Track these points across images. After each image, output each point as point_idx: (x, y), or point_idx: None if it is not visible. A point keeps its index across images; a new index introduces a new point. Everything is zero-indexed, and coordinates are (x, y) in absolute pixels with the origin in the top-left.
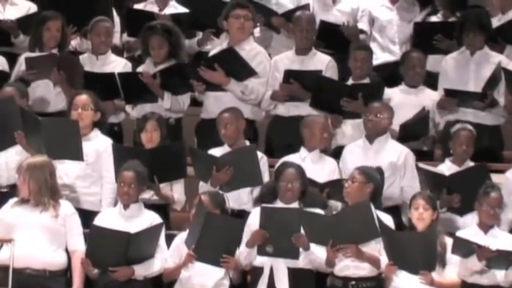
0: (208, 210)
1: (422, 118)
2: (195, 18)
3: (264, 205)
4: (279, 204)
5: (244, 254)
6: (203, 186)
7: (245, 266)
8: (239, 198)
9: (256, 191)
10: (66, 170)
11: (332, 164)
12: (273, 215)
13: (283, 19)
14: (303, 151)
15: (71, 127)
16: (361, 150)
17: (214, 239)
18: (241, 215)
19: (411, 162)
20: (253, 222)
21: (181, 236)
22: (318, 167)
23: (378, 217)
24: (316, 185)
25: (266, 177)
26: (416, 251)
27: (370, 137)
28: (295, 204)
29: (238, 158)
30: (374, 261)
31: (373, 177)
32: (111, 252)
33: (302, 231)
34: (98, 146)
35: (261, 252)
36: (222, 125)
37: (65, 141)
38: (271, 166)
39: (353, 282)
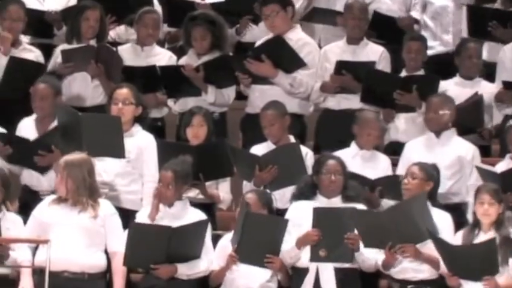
0: (254, 209)
1: (475, 102)
2: (232, 5)
3: (316, 206)
4: (319, 198)
5: (291, 253)
6: (247, 185)
7: (288, 265)
8: (284, 196)
9: None
10: (105, 167)
11: (385, 161)
12: (326, 216)
13: None
14: (353, 147)
15: (112, 123)
16: (426, 145)
17: (256, 239)
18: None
19: (478, 160)
20: (292, 217)
21: (227, 237)
22: (369, 165)
23: (432, 230)
24: (367, 181)
25: None
26: (476, 261)
27: (436, 132)
28: (337, 198)
29: (282, 156)
30: (433, 263)
31: (433, 174)
32: (152, 249)
33: (355, 231)
34: (139, 142)
35: (314, 258)
36: (266, 123)
37: (106, 137)
38: None
39: (411, 286)
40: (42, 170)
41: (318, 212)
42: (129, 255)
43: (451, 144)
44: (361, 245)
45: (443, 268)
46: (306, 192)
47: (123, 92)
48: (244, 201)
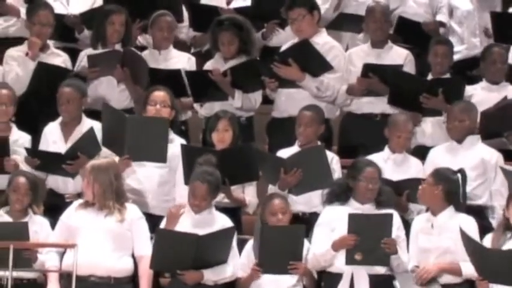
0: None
1: (505, 107)
2: (258, 9)
3: (351, 212)
4: (352, 203)
5: (326, 256)
6: (272, 189)
7: (321, 268)
8: (310, 200)
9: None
10: (146, 174)
11: (417, 165)
12: (361, 222)
13: None
14: (386, 151)
15: (159, 126)
16: (450, 150)
17: (276, 249)
18: (313, 218)
19: (502, 165)
20: (325, 221)
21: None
22: (401, 169)
23: (461, 229)
24: (392, 184)
25: None
26: (508, 267)
27: (458, 140)
28: (370, 204)
29: (307, 159)
30: (453, 270)
31: (444, 178)
32: (178, 255)
33: (393, 235)
34: (178, 147)
35: (350, 261)
36: (302, 124)
37: (150, 141)
38: (344, 167)
39: None
40: (72, 175)
41: (353, 218)
42: (156, 259)
43: (474, 149)
44: (398, 248)
45: (468, 272)
46: (339, 195)
47: (161, 94)
48: (266, 205)
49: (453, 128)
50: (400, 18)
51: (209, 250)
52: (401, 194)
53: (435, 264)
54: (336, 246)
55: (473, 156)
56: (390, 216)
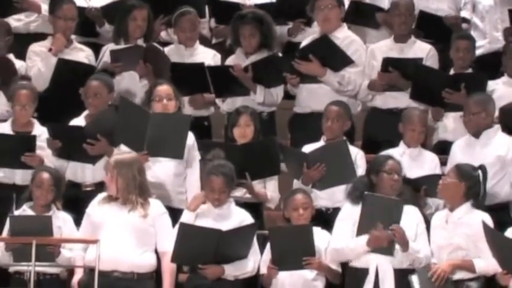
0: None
1: None
2: (282, 7)
3: (367, 192)
4: None
5: (358, 250)
6: (297, 184)
7: (344, 259)
8: (333, 195)
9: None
10: (162, 169)
11: (433, 160)
12: (375, 202)
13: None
14: (401, 146)
15: (182, 123)
16: (468, 145)
17: (287, 248)
18: (336, 214)
19: None
20: (347, 215)
21: None
22: (416, 164)
23: (483, 222)
24: (410, 181)
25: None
26: None
27: (475, 134)
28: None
29: (329, 154)
30: (467, 267)
31: (467, 176)
32: (200, 249)
33: (413, 230)
34: (188, 141)
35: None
36: (330, 118)
37: (170, 137)
38: (368, 163)
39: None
40: (92, 160)
41: (368, 198)
42: (177, 253)
43: (491, 144)
44: (411, 243)
45: (481, 268)
46: (362, 190)
47: (165, 88)
48: (288, 200)
49: (468, 121)
50: (421, 13)
51: (231, 245)
52: (419, 189)
53: (448, 261)
54: (372, 244)
55: (489, 153)
56: (401, 203)
